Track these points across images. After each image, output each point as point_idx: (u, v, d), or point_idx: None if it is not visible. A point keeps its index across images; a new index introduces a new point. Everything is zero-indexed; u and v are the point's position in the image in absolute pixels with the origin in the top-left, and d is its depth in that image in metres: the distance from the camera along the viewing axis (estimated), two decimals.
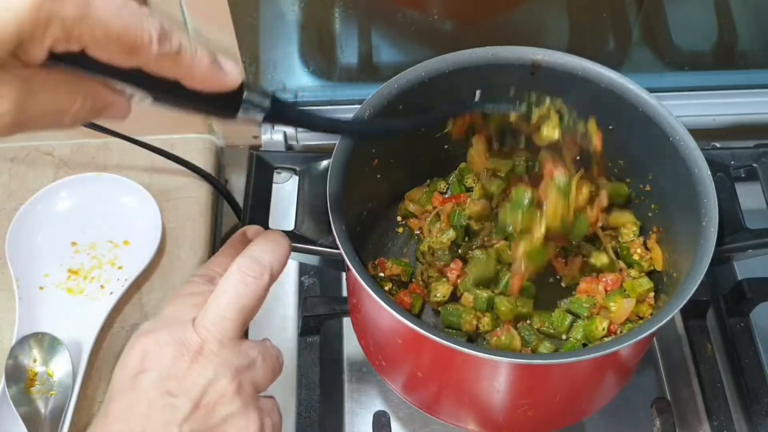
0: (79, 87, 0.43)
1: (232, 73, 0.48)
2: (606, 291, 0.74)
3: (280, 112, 0.54)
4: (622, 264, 0.76)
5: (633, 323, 0.73)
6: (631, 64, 0.94)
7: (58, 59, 0.40)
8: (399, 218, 0.82)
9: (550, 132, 0.67)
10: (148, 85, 0.45)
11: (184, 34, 0.45)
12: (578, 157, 0.69)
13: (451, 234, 0.77)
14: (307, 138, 0.94)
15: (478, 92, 0.70)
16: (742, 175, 0.76)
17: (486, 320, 0.73)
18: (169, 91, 0.47)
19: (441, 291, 0.75)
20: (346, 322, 0.85)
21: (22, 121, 0.41)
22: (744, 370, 0.81)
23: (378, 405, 0.80)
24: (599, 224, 0.76)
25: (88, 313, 0.81)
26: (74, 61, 0.41)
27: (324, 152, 0.73)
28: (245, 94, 0.51)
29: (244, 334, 0.55)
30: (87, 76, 0.43)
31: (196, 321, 0.53)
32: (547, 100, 0.67)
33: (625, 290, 0.74)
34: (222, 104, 0.50)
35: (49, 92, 0.41)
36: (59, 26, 0.38)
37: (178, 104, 0.48)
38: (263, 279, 0.55)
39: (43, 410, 0.74)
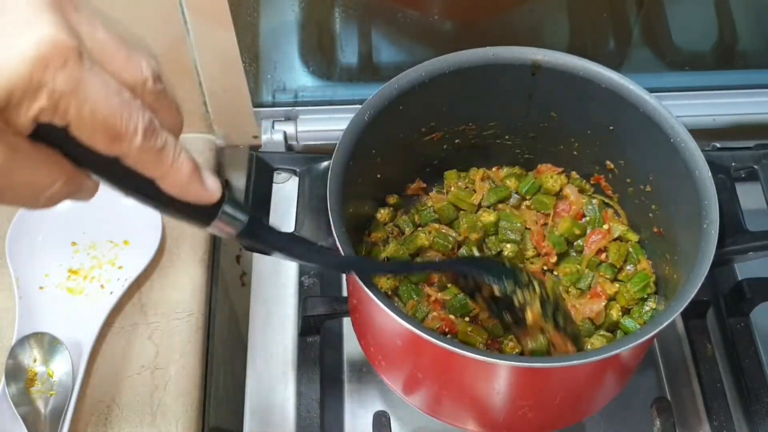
0: (62, 169, 0.42)
1: (211, 190, 0.47)
2: None
3: (257, 233, 0.52)
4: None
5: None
6: (631, 64, 0.94)
7: (44, 139, 0.40)
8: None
9: (531, 316, 0.65)
10: (123, 179, 0.44)
11: (173, 138, 0.44)
12: None
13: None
14: (307, 138, 0.94)
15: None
16: (743, 176, 0.76)
17: None
18: (144, 191, 0.45)
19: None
20: (346, 322, 0.85)
21: (0, 187, 0.40)
22: (744, 370, 0.81)
23: (378, 405, 0.80)
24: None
25: (88, 313, 0.81)
26: (59, 143, 0.41)
27: (324, 153, 0.73)
28: (223, 207, 0.49)
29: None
30: (67, 161, 0.42)
31: None
32: (536, 287, 0.65)
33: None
34: (196, 212, 0.48)
35: (31, 166, 0.41)
36: (48, 96, 0.38)
37: (149, 203, 0.46)
38: None
39: (43, 410, 0.74)
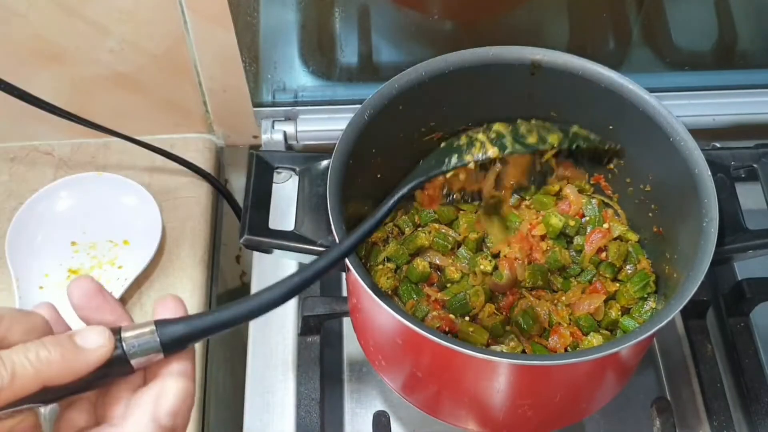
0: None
1: (96, 343, 0.43)
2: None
3: (178, 334, 0.46)
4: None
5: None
6: (631, 64, 0.94)
7: None
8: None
9: (492, 152, 0.60)
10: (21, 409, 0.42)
11: (14, 351, 0.41)
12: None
13: None
14: (307, 138, 0.94)
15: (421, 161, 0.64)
16: (743, 176, 0.76)
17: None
18: (51, 396, 0.43)
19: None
20: (346, 322, 0.85)
21: None
22: (744, 370, 0.81)
23: (378, 405, 0.80)
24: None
25: None
26: None
27: (324, 152, 0.73)
28: (125, 341, 0.44)
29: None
30: None
31: None
32: (478, 136, 0.61)
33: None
34: (109, 369, 0.44)
35: None
36: None
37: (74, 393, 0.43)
38: None
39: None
